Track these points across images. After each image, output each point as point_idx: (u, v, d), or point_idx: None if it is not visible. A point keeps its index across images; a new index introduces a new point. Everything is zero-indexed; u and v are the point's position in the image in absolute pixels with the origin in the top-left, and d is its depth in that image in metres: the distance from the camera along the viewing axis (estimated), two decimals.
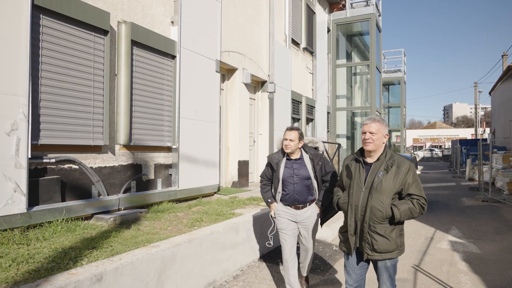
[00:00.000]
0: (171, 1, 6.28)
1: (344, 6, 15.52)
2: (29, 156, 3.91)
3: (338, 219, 6.39)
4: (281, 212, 3.73)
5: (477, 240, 6.69)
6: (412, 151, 54.37)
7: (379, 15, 16.48)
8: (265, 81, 9.79)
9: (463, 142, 26.98)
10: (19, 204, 3.78)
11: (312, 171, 3.63)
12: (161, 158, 6.06)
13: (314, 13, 13.34)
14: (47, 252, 3.15)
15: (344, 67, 16.66)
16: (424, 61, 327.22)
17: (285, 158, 3.70)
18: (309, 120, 13.00)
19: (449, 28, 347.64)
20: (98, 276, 2.64)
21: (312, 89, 13.46)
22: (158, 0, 6.03)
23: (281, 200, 3.74)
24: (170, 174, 6.21)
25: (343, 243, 2.94)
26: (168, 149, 6.20)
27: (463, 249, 6.09)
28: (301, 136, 3.65)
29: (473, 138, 40.25)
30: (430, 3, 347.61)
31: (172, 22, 6.27)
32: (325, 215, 3.81)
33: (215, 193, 7.30)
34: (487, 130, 50.23)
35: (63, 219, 4.17)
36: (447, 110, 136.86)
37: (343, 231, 2.94)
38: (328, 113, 14.92)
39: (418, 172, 11.23)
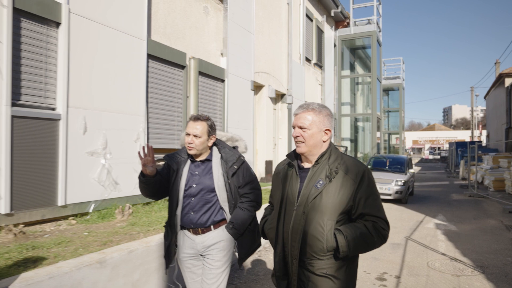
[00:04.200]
0: (221, 38, 8.21)
1: (348, 24, 17.47)
2: None
3: None
4: (180, 241, 2.50)
5: (457, 223, 8.58)
6: (408, 151, 56.19)
7: (380, 31, 18.42)
8: (284, 94, 11.72)
9: (459, 144, 28.79)
10: None
11: (221, 179, 2.42)
12: None
13: (323, 32, 15.28)
14: None
15: (348, 78, 18.60)
16: (425, 64, 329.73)
17: (189, 160, 2.51)
18: None
19: (450, 32, 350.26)
20: None
21: (321, 99, 15.39)
22: (212, 39, 7.96)
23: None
24: None
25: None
26: None
27: (444, 228, 7.98)
28: (211, 130, 2.46)
29: (470, 140, 42.18)
30: (429, 8, 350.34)
31: (222, 54, 8.20)
32: (244, 248, 2.49)
33: None
34: (484, 132, 52.17)
35: (161, 200, 6.08)
36: (447, 112, 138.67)
37: (273, 272, 2.02)
38: (334, 119, 16.84)
39: (412, 170, 13.13)
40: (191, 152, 2.43)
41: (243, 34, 8.86)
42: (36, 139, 4.31)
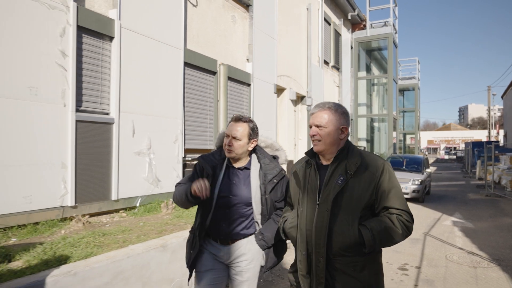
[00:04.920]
0: (247, 45, 8.70)
1: (365, 26, 17.78)
2: (183, 156, 6.35)
3: None
4: (201, 267, 2.31)
5: (473, 220, 8.88)
6: (423, 151, 55.89)
7: (396, 33, 18.66)
8: (304, 96, 12.15)
9: (475, 144, 28.67)
10: None
11: (258, 191, 2.27)
12: None
13: (340, 35, 15.64)
14: None
15: (364, 79, 18.91)
16: (440, 64, 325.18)
17: (225, 164, 2.32)
18: None
19: (465, 33, 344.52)
20: None
21: (338, 100, 15.75)
22: (239, 46, 8.46)
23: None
24: None
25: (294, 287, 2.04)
26: None
27: (461, 225, 8.30)
28: (252, 133, 2.30)
29: (487, 140, 41.80)
30: (445, 9, 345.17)
31: (247, 60, 8.69)
32: (269, 262, 2.36)
33: None
34: (502, 132, 51.49)
35: None
36: (463, 111, 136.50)
37: (293, 270, 2.06)
38: (351, 119, 17.21)
39: (429, 170, 13.39)
40: (229, 155, 2.25)
41: (267, 40, 9.34)
42: (94, 140, 4.87)
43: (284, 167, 2.44)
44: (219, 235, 2.26)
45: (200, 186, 2.06)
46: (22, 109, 4.04)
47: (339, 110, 1.93)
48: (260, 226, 2.29)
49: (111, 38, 5.15)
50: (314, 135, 1.92)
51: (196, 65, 6.88)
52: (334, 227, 1.79)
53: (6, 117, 3.91)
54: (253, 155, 2.34)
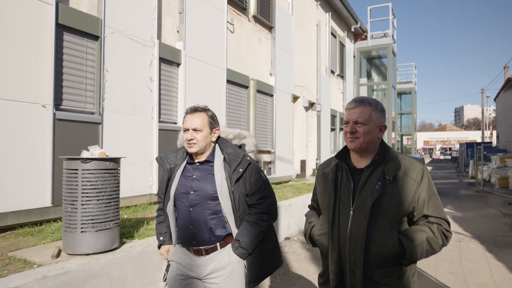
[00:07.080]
0: (269, 61, 10.22)
1: (366, 37, 19.35)
2: None
3: None
4: (173, 258, 2.15)
5: (462, 211, 10.42)
6: (420, 151, 57.53)
7: (394, 42, 20.23)
8: (314, 103, 13.68)
9: (469, 145, 30.18)
10: None
11: (225, 185, 2.03)
12: (265, 157, 10.00)
13: (344, 45, 17.19)
14: None
15: (365, 86, 20.48)
16: (436, 66, 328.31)
17: (185, 162, 2.17)
18: (341, 129, 16.85)
19: (461, 35, 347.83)
20: (289, 204, 6.53)
21: (343, 105, 17.30)
22: (264, 63, 9.98)
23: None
24: (270, 168, 10.14)
25: None
26: (269, 152, 10.12)
27: (452, 214, 9.84)
28: (213, 121, 2.13)
29: (481, 141, 43.46)
30: (441, 11, 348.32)
31: (271, 74, 10.21)
32: (255, 271, 2.08)
33: (289, 180, 11.19)
34: (495, 133, 53.22)
35: None
36: (458, 112, 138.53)
37: (323, 280, 1.90)
38: None
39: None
40: (193, 150, 2.05)
41: (285, 56, 10.86)
42: (168, 144, 6.36)
43: (252, 155, 2.33)
44: (190, 241, 2.06)
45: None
46: (128, 121, 5.53)
47: (379, 106, 1.79)
48: (234, 227, 2.04)
49: (178, 65, 6.64)
50: (352, 132, 1.74)
51: (234, 81, 8.38)
52: (372, 235, 1.66)
53: (120, 128, 5.40)
54: (216, 147, 2.16)
